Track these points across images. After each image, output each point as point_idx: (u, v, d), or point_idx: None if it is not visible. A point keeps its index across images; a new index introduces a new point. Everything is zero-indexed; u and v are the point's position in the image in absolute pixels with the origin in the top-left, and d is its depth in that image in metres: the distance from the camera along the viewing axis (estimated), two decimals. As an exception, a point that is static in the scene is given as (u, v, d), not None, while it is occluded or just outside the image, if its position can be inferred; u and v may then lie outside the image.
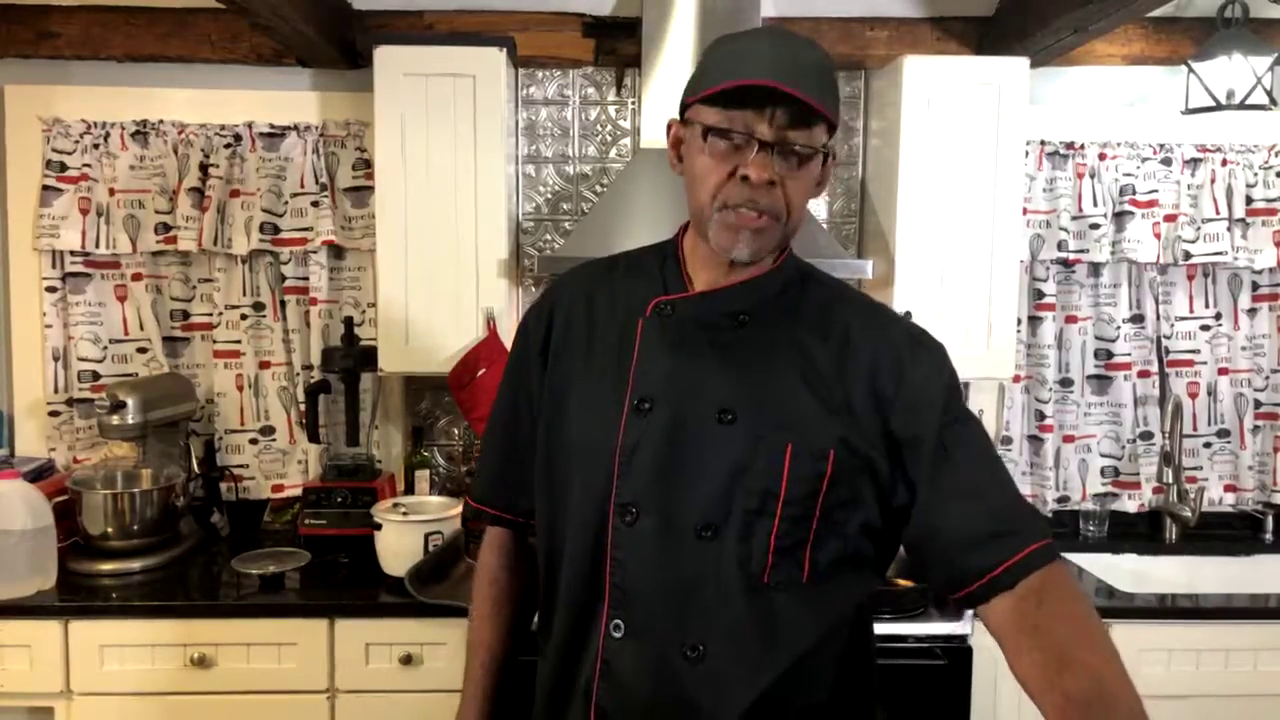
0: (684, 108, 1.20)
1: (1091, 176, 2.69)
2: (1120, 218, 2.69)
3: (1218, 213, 2.69)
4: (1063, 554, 2.66)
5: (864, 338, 1.20)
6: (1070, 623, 1.07)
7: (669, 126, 1.23)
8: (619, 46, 2.65)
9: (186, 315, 2.72)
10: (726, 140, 1.12)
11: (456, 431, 2.82)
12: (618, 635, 1.17)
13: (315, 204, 2.64)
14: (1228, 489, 2.84)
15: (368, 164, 2.64)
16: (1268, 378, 2.81)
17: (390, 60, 2.38)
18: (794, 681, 1.15)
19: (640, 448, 1.16)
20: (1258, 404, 2.81)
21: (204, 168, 2.62)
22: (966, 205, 2.45)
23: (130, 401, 2.41)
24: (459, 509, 2.41)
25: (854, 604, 1.21)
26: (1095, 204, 2.68)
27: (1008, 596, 1.10)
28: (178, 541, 2.49)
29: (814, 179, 1.17)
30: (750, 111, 1.10)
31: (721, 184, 1.13)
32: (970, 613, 2.14)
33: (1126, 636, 2.23)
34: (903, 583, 2.27)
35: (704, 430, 1.16)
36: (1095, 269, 2.76)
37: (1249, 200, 2.71)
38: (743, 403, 1.16)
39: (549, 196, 2.77)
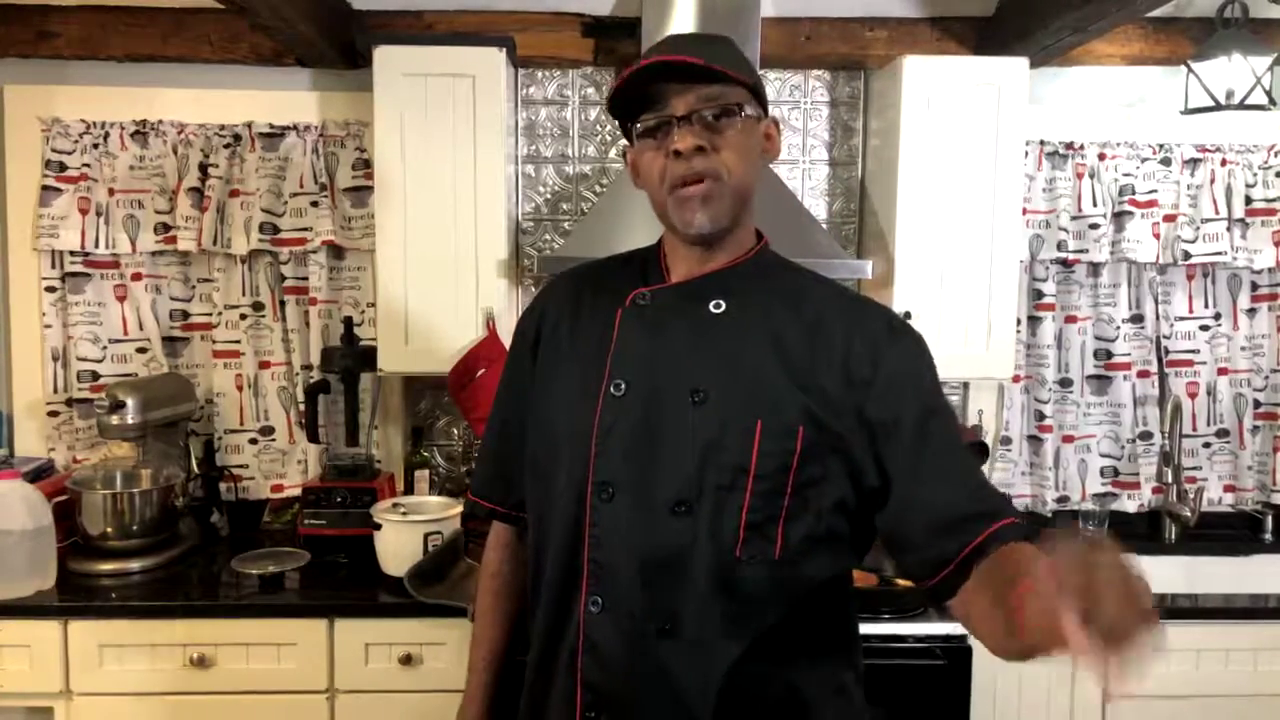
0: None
1: (1091, 176, 2.69)
2: (1120, 218, 2.69)
3: (1217, 213, 2.69)
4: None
5: (838, 319, 1.23)
6: (1017, 549, 1.06)
7: (624, 154, 1.30)
8: (618, 46, 2.65)
9: (186, 315, 2.72)
10: (653, 136, 1.20)
11: (456, 432, 2.82)
12: (595, 610, 1.20)
13: (315, 204, 2.64)
14: (1227, 489, 2.84)
15: (367, 164, 2.64)
16: (1267, 378, 2.81)
17: (390, 60, 2.38)
18: (765, 655, 1.18)
19: (615, 428, 1.21)
20: (1257, 404, 2.81)
21: (203, 168, 2.63)
22: (966, 205, 2.45)
23: (130, 401, 2.41)
24: (458, 509, 2.41)
25: (826, 581, 1.23)
26: (1095, 204, 2.68)
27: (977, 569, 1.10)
28: (177, 541, 2.48)
29: (749, 139, 1.22)
30: (663, 103, 1.18)
31: (664, 170, 1.19)
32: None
33: (1126, 636, 2.24)
34: (903, 583, 2.27)
35: (677, 410, 1.20)
36: (1095, 269, 2.76)
37: (1248, 200, 2.71)
38: (714, 382, 1.20)
39: (548, 196, 2.77)
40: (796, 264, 1.33)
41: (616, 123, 1.29)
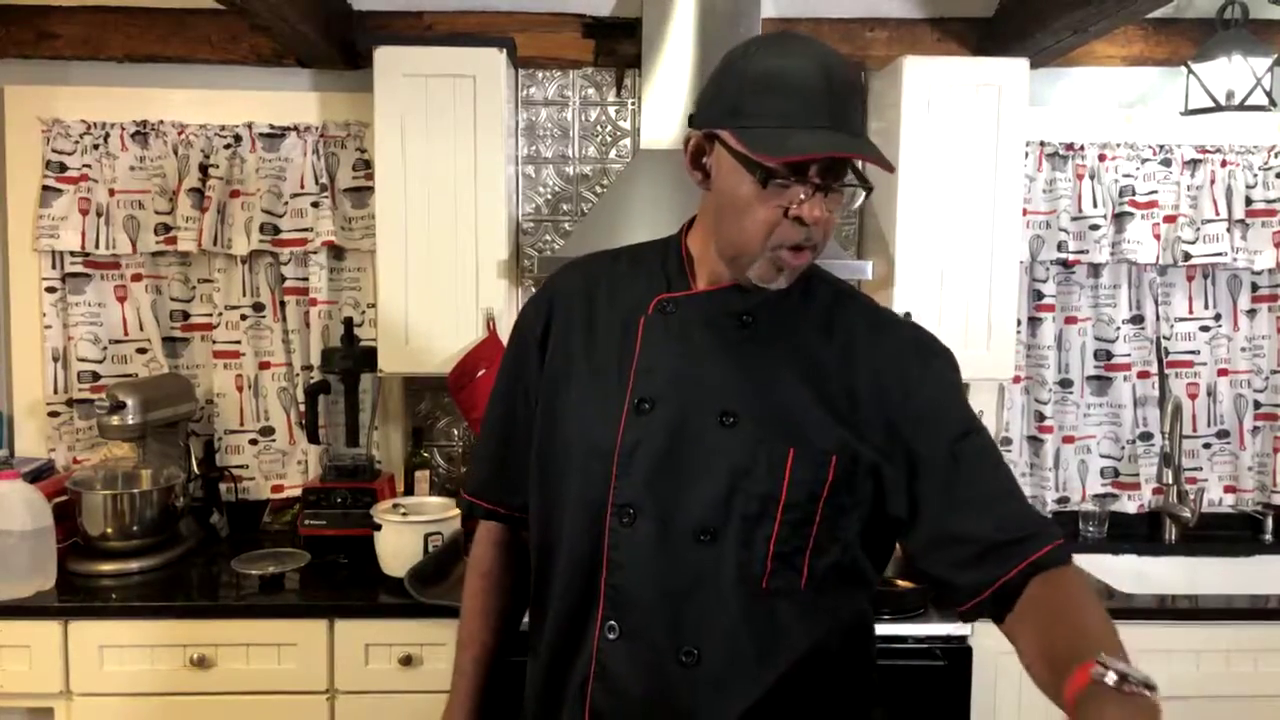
0: (711, 122, 1.14)
1: (1091, 177, 2.69)
2: (1120, 219, 2.69)
3: (1217, 214, 2.69)
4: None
5: (870, 340, 1.20)
6: (1069, 598, 1.08)
7: (688, 140, 1.18)
8: (619, 47, 2.65)
9: (186, 316, 2.72)
10: (774, 181, 1.09)
11: (456, 432, 2.82)
12: (612, 637, 1.16)
13: (315, 204, 2.64)
14: (1227, 490, 2.84)
15: (367, 164, 2.64)
16: (1267, 379, 2.81)
17: (390, 61, 2.38)
18: (789, 688, 1.15)
19: (640, 448, 1.15)
20: (1257, 405, 2.81)
21: (204, 168, 2.62)
22: (966, 206, 2.45)
23: (130, 402, 2.41)
24: (458, 510, 2.41)
25: (851, 612, 1.20)
26: (1095, 205, 2.68)
27: (1019, 597, 1.09)
28: (177, 542, 2.49)
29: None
30: (805, 162, 1.09)
31: (775, 224, 1.10)
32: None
33: (1126, 637, 2.23)
34: (902, 583, 2.27)
35: (705, 432, 1.15)
36: (1095, 270, 2.76)
37: (1248, 201, 2.71)
38: (745, 405, 1.15)
39: (549, 197, 2.77)
40: (823, 271, 1.28)
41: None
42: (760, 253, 1.12)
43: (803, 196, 1.09)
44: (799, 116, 1.07)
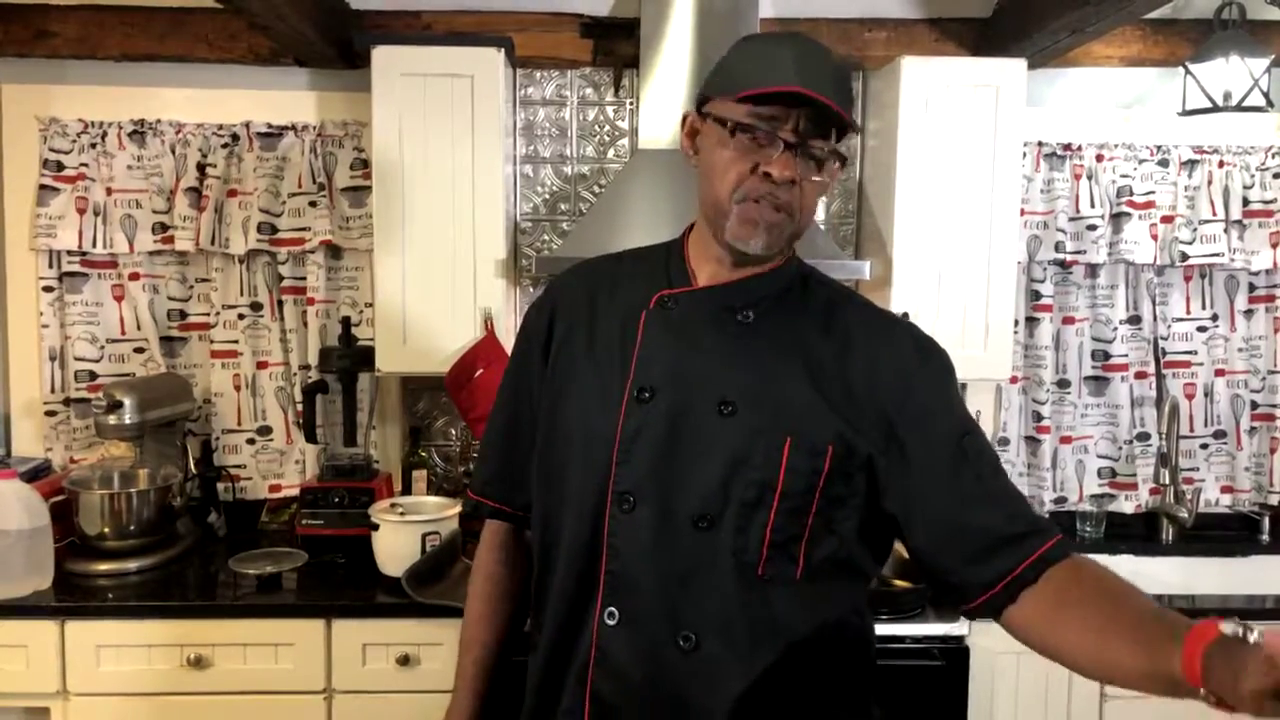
0: (702, 100, 1.21)
1: (1089, 178, 2.69)
2: (1117, 219, 2.69)
3: (1214, 214, 2.70)
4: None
5: (867, 339, 1.22)
6: (1118, 580, 1.11)
7: (684, 118, 1.24)
8: (617, 47, 2.65)
9: (184, 315, 2.72)
10: (751, 137, 1.13)
11: (454, 432, 2.82)
12: (611, 623, 1.18)
13: (313, 204, 2.63)
14: (1224, 490, 2.84)
15: (365, 164, 2.63)
16: (1264, 379, 2.81)
17: (388, 60, 2.38)
18: (785, 675, 1.16)
19: (640, 436, 1.18)
20: (1254, 405, 2.81)
21: (201, 167, 2.62)
22: (964, 206, 2.45)
23: (127, 401, 2.41)
24: (456, 509, 2.41)
25: (847, 603, 1.22)
26: (1092, 205, 2.68)
27: (1033, 590, 1.11)
28: (174, 541, 2.48)
29: (827, 184, 1.19)
30: (777, 112, 1.12)
31: (743, 178, 1.15)
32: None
33: (1123, 637, 2.24)
34: (900, 583, 2.27)
35: (704, 421, 1.17)
36: (1092, 270, 2.77)
37: (1246, 202, 2.71)
38: (743, 395, 1.17)
39: (547, 197, 2.77)
40: (822, 274, 1.30)
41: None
42: (730, 206, 1.16)
43: (773, 154, 1.13)
44: (774, 72, 1.12)
